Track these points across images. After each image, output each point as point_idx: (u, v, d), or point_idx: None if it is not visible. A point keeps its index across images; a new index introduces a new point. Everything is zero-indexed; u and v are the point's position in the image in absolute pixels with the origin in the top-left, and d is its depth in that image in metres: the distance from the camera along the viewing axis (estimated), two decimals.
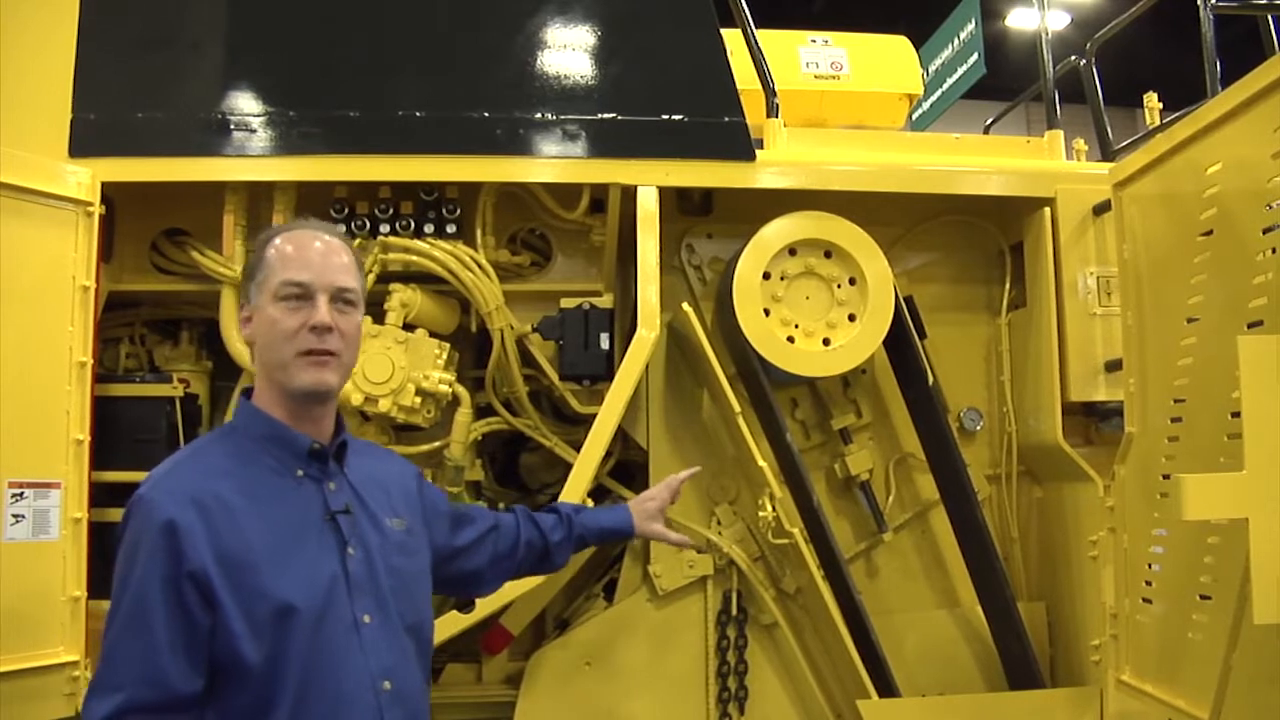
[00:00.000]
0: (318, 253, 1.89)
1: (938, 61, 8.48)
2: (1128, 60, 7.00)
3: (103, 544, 3.10)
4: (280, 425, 1.88)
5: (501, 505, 3.11)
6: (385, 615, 1.86)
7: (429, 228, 3.30)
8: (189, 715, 1.70)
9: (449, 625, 3.01)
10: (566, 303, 3.37)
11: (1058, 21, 14.01)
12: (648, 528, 2.62)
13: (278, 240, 1.92)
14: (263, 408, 1.90)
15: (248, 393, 1.95)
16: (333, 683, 1.75)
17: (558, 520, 2.48)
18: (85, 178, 3.08)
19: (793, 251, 3.27)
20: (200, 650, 1.70)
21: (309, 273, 1.86)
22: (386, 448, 2.23)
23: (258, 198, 3.34)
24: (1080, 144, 5.15)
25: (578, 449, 3.16)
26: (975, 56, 8.02)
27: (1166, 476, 2.74)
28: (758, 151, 3.32)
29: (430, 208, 3.34)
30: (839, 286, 3.28)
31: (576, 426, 3.47)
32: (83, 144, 3.13)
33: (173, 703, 1.67)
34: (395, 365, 3.14)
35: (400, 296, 3.26)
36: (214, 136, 3.18)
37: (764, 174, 3.32)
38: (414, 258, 3.28)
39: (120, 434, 3.21)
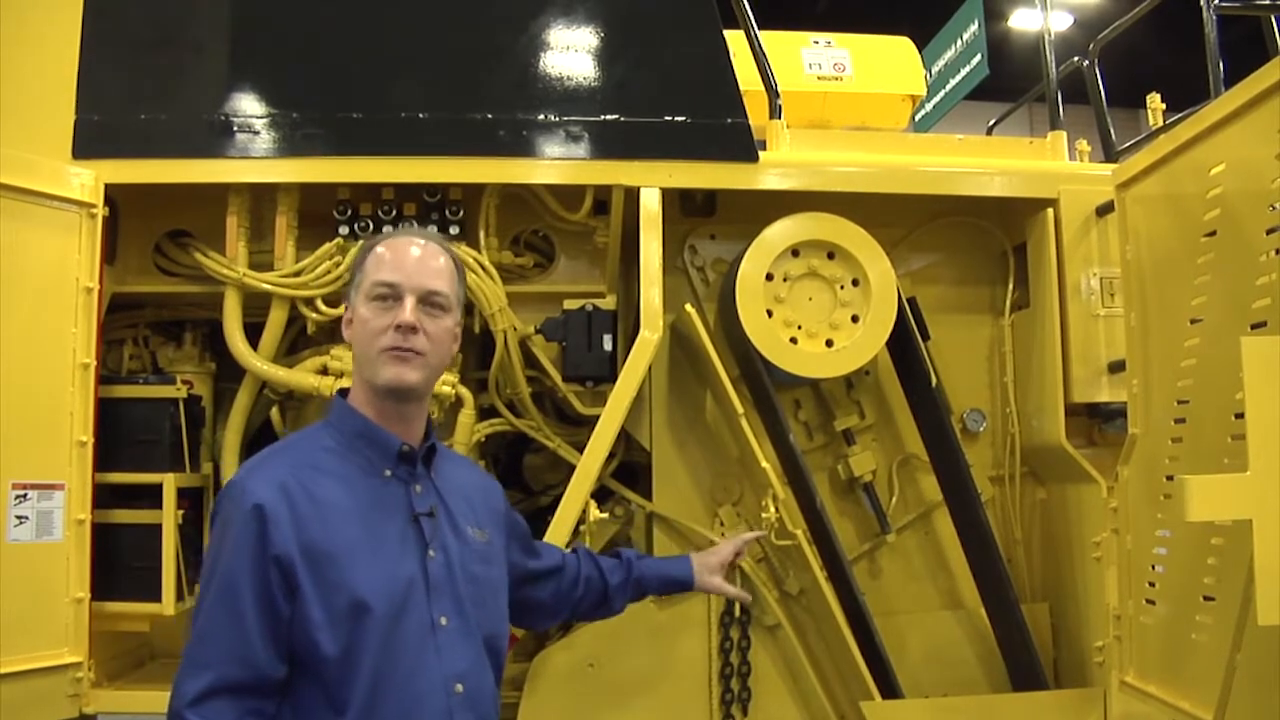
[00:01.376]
0: (412, 257, 1.93)
1: (941, 62, 8.49)
2: (1131, 61, 6.98)
3: (106, 546, 3.11)
4: (372, 424, 1.92)
5: None
6: (463, 619, 1.89)
7: (432, 229, 3.31)
8: (271, 701, 1.74)
9: None
10: (569, 304, 3.37)
11: (1060, 22, 14.02)
12: (708, 581, 2.65)
13: (378, 246, 1.96)
14: (356, 407, 1.94)
15: (344, 392, 1.99)
16: (406, 681, 1.78)
17: (617, 563, 2.52)
18: (88, 179, 3.08)
19: (796, 253, 3.27)
20: (282, 635, 1.74)
21: (399, 275, 1.90)
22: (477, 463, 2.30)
23: (261, 199, 3.34)
24: (1083, 145, 5.14)
25: (581, 450, 3.16)
26: (978, 57, 8.03)
27: (1170, 478, 2.74)
28: (761, 153, 3.32)
29: (433, 209, 3.34)
30: (842, 287, 3.28)
31: (579, 428, 3.47)
32: (86, 145, 3.13)
33: (260, 683, 1.71)
34: None
35: None
36: (217, 138, 3.19)
37: (767, 175, 3.32)
38: None
39: (123, 435, 3.21)
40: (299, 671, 1.75)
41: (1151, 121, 4.43)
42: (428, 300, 1.90)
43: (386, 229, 3.27)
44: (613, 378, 3.20)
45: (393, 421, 1.92)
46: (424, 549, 1.87)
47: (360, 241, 3.29)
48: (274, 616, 1.73)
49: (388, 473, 1.90)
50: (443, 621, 1.85)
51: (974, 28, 8.09)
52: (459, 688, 1.84)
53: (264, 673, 1.71)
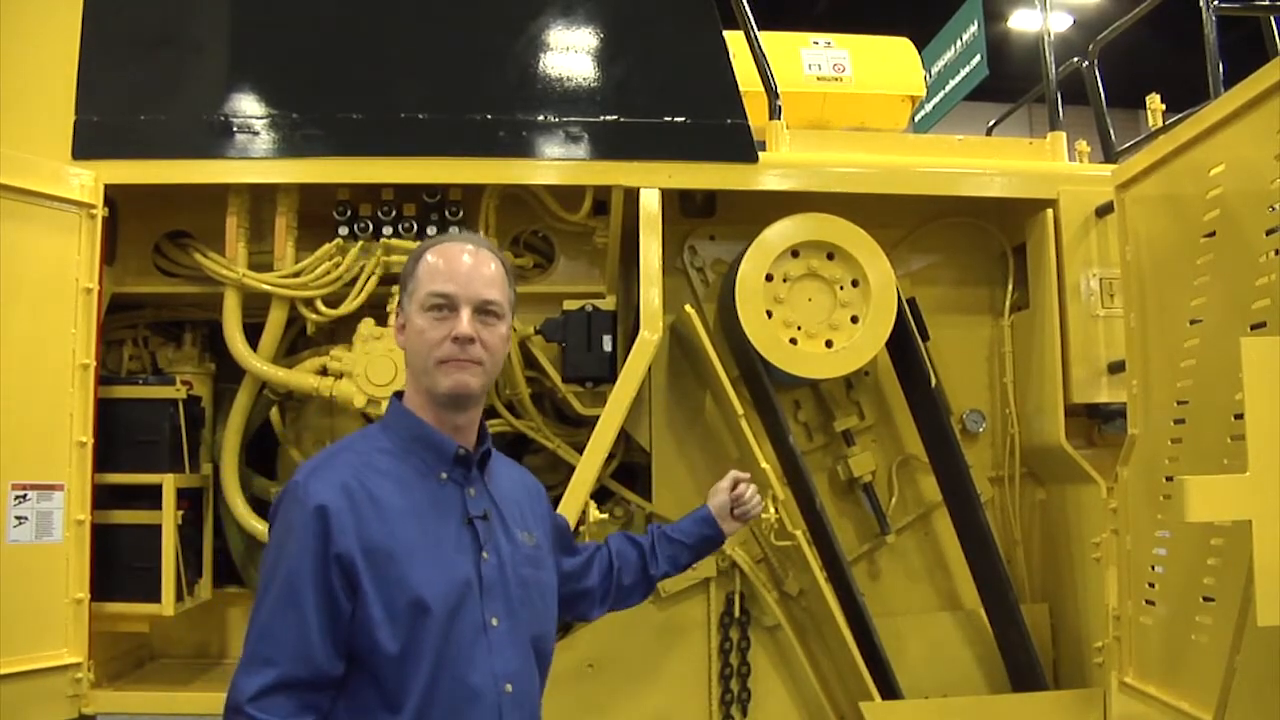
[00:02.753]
0: (465, 266, 1.93)
1: (940, 63, 8.49)
2: (1130, 62, 6.99)
3: (105, 546, 3.11)
4: (429, 428, 1.93)
5: None
6: (514, 621, 1.91)
7: (432, 230, 3.31)
8: (327, 697, 1.76)
9: None
10: (569, 305, 3.37)
11: (1060, 23, 14.01)
12: (731, 528, 2.54)
13: (429, 253, 1.96)
14: (411, 410, 1.96)
15: (399, 394, 2.01)
16: (460, 680, 1.80)
17: (645, 537, 2.48)
18: (88, 180, 3.08)
19: (795, 253, 3.27)
20: (342, 634, 1.76)
21: (454, 285, 1.91)
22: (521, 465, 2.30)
23: (260, 200, 3.34)
24: (1083, 145, 5.14)
25: (580, 451, 3.16)
26: (978, 58, 8.03)
27: (1169, 478, 2.74)
28: (760, 153, 3.33)
29: (433, 210, 3.34)
30: (841, 288, 3.28)
31: (579, 428, 3.47)
32: (86, 146, 3.14)
33: (318, 680, 1.74)
34: (399, 367, 3.14)
35: None
36: (217, 139, 3.19)
37: (766, 176, 3.32)
38: None
39: (123, 436, 3.21)
40: (356, 669, 1.78)
41: (1151, 122, 4.43)
42: (483, 309, 1.92)
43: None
44: (612, 378, 3.20)
45: (448, 427, 1.95)
46: (478, 551, 1.90)
47: (371, 241, 3.30)
48: (335, 615, 1.75)
49: (444, 476, 1.92)
50: (494, 622, 1.87)
51: (973, 28, 8.09)
52: (509, 687, 1.87)
53: (323, 670, 1.74)
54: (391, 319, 2.00)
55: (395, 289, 3.25)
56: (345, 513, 1.77)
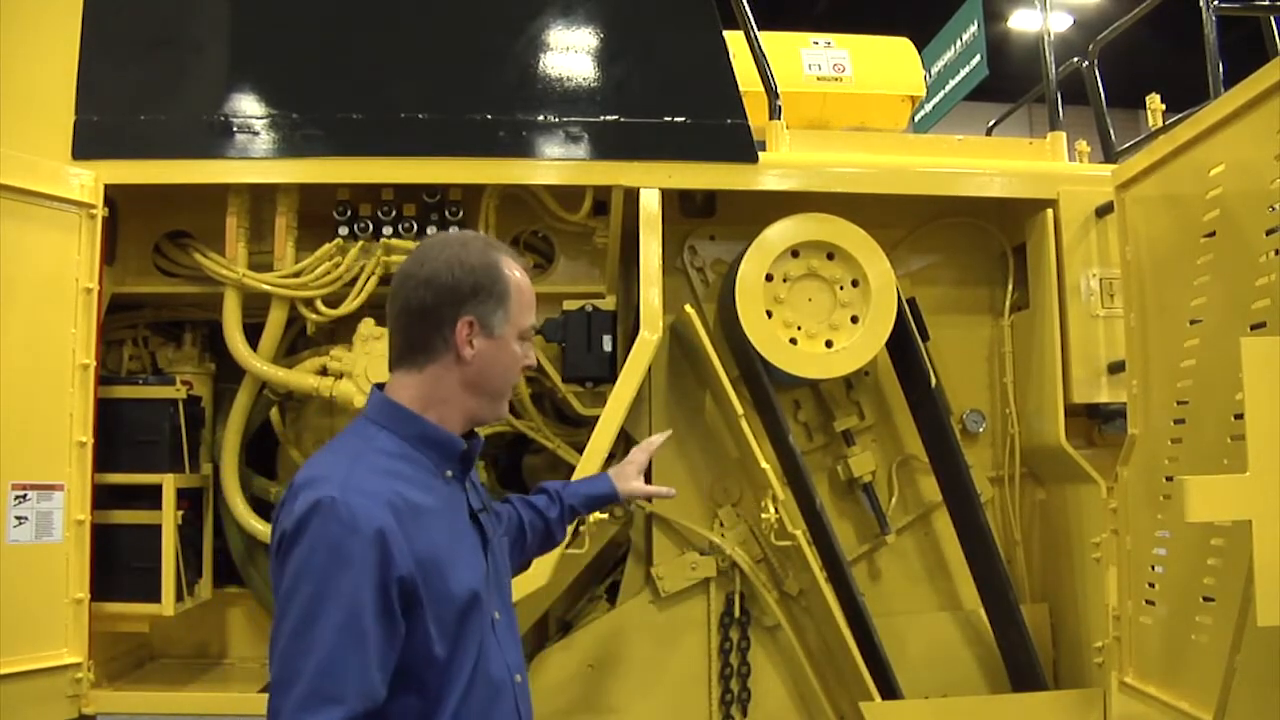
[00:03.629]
0: (533, 294, 1.96)
1: (940, 63, 8.49)
2: (1130, 62, 6.98)
3: (105, 546, 3.11)
4: (435, 427, 1.87)
5: None
6: (509, 613, 1.93)
7: (431, 230, 3.31)
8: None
9: None
10: (569, 305, 3.37)
11: (1060, 23, 14.02)
12: (630, 488, 2.58)
13: (515, 270, 1.91)
14: (419, 413, 1.87)
15: (380, 386, 1.92)
16: (487, 675, 1.80)
17: (549, 499, 2.49)
18: (88, 180, 3.08)
19: (795, 253, 3.27)
20: (394, 657, 1.69)
21: (535, 316, 1.96)
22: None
23: (261, 200, 3.34)
24: (1083, 145, 5.14)
25: (580, 451, 3.16)
26: (978, 58, 8.03)
27: (1169, 478, 2.74)
28: (760, 153, 3.33)
29: (433, 210, 3.34)
30: (841, 288, 3.28)
31: (579, 428, 3.47)
32: (86, 146, 3.14)
33: (374, 712, 1.67)
34: None
35: None
36: (217, 139, 3.19)
37: (766, 176, 3.32)
38: None
39: (123, 436, 3.22)
40: (400, 681, 1.71)
41: (1151, 122, 4.43)
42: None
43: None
44: (612, 378, 3.21)
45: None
46: (485, 545, 1.91)
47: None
48: (394, 642, 1.69)
49: (449, 473, 1.89)
50: (496, 616, 1.88)
51: (973, 28, 8.09)
52: (518, 678, 1.89)
53: (379, 700, 1.67)
54: (475, 330, 1.86)
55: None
56: (398, 532, 1.68)
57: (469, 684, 1.76)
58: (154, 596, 3.17)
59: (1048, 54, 4.03)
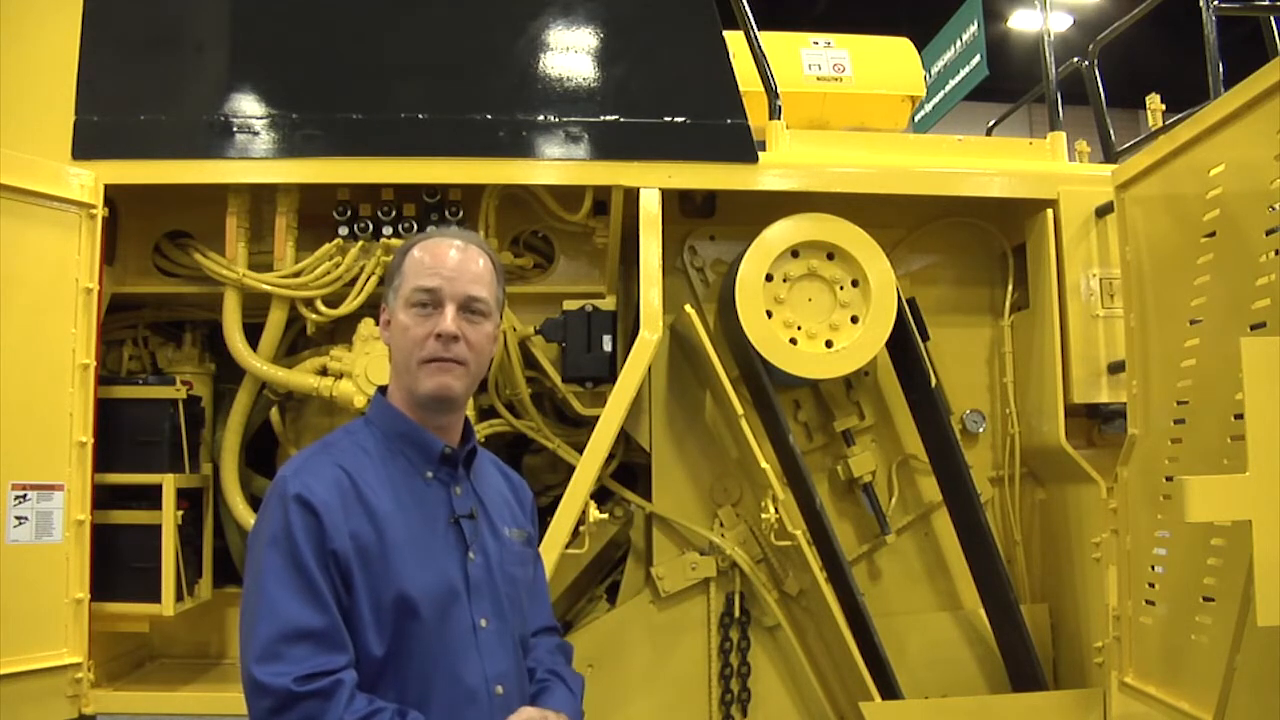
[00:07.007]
0: (451, 261, 1.90)
1: (940, 63, 8.50)
2: (1130, 62, 7.00)
3: (105, 546, 3.11)
4: (415, 426, 1.91)
5: None
6: (502, 622, 1.89)
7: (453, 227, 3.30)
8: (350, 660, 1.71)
9: None
10: (569, 305, 3.37)
11: (1060, 23, 14.03)
12: None
13: (415, 248, 1.93)
14: (396, 406, 1.93)
15: (383, 390, 1.98)
16: (453, 683, 1.78)
17: (548, 682, 2.16)
18: (88, 180, 3.08)
19: (795, 253, 3.27)
20: (341, 619, 1.72)
21: (439, 280, 1.87)
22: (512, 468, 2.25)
23: (260, 200, 3.35)
24: (1083, 145, 5.15)
25: (580, 451, 3.16)
26: (978, 58, 8.04)
27: (1169, 478, 2.74)
28: (760, 153, 3.32)
29: (433, 210, 3.35)
30: (841, 288, 3.28)
31: (579, 429, 3.47)
32: (86, 146, 3.14)
33: (337, 633, 1.70)
34: None
35: None
36: (217, 139, 3.19)
37: (766, 176, 3.32)
38: None
39: (123, 436, 3.22)
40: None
41: (1151, 122, 4.43)
42: (468, 307, 1.88)
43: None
44: (612, 378, 3.20)
45: (431, 426, 1.92)
46: (464, 551, 1.87)
47: (368, 241, 3.30)
48: (337, 596, 1.71)
49: (429, 475, 1.90)
50: (483, 624, 1.85)
51: (973, 28, 8.10)
52: (499, 689, 1.84)
53: (346, 646, 1.69)
54: (385, 315, 1.96)
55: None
56: (337, 510, 1.74)
57: (426, 688, 1.75)
58: (154, 596, 3.17)
59: (1048, 54, 4.03)
